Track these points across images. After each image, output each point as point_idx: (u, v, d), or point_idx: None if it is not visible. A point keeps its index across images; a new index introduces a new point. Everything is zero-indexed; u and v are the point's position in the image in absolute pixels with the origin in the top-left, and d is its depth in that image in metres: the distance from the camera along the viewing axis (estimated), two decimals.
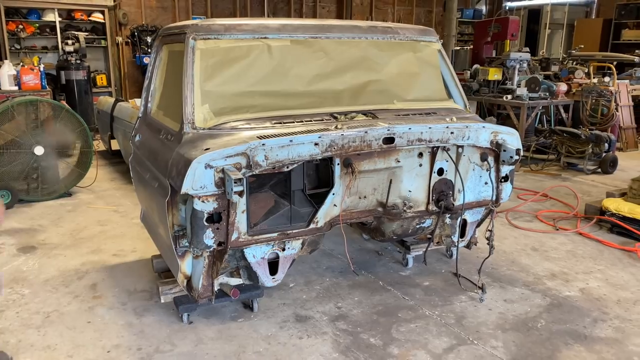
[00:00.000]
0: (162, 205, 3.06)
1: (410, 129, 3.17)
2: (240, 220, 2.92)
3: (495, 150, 3.57)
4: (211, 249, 2.98)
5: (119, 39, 11.68)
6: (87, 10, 10.92)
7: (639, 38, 13.25)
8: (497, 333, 3.38)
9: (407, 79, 3.83)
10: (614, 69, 9.06)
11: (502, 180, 3.72)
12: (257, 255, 3.12)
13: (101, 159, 8.30)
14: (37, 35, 10.76)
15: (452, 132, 3.33)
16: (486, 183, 3.69)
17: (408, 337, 3.33)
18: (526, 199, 6.29)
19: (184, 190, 2.75)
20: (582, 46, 10.97)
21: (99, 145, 8.96)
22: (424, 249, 4.07)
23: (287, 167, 2.95)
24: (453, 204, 3.53)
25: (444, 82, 4.00)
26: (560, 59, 11.12)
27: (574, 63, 10.46)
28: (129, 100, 8.39)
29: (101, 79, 11.23)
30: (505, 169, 3.69)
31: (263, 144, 2.81)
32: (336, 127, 3.05)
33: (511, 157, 3.50)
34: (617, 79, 9.09)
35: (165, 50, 3.83)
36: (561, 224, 5.48)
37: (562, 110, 8.87)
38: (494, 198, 3.70)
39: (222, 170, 2.77)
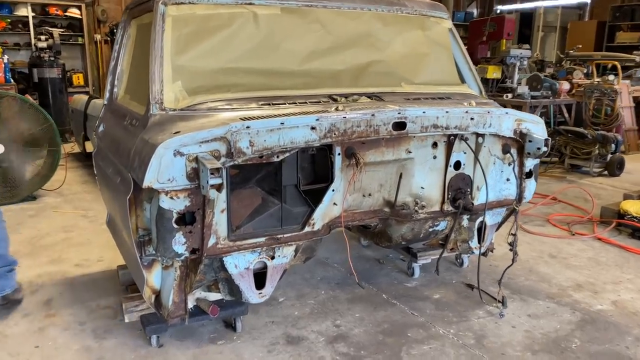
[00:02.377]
0: (124, 204, 2.49)
1: (424, 112, 2.65)
2: (218, 221, 2.36)
3: (520, 141, 3.06)
4: (183, 258, 2.41)
5: (98, 36, 11.08)
6: (62, 5, 10.31)
7: (634, 40, 12.94)
8: (527, 355, 2.86)
9: (415, 59, 3.32)
10: (619, 67, 8.66)
11: (526, 176, 3.21)
12: (240, 265, 2.55)
13: (75, 161, 7.69)
14: (8, 31, 10.12)
15: (472, 118, 2.81)
16: (508, 179, 3.17)
17: None
18: (535, 203, 5.80)
19: (146, 183, 2.19)
20: (580, 46, 10.61)
21: (74, 147, 8.37)
22: (435, 257, 3.54)
23: (278, 157, 2.40)
24: (472, 204, 3.00)
25: (456, 65, 3.50)
26: (554, 62, 10.74)
27: (571, 64, 10.09)
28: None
29: (78, 78, 10.61)
30: (529, 163, 3.18)
31: (247, 127, 2.26)
32: (337, 109, 2.51)
33: (539, 148, 2.99)
34: None
35: (134, 25, 3.28)
36: (576, 228, 4.99)
37: (564, 110, 8.43)
38: (518, 197, 3.19)
39: (196, 159, 2.22)
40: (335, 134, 2.44)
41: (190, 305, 2.71)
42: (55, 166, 5.83)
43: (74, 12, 10.51)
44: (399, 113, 2.58)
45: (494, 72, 8.32)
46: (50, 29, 9.89)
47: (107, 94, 3.46)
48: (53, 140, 5.75)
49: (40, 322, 3.16)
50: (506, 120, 2.96)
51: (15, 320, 3.18)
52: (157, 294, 2.70)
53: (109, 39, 11.30)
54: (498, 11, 16.25)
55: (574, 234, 4.85)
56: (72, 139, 8.68)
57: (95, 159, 3.39)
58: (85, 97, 7.63)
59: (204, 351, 2.86)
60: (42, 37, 9.37)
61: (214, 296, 2.88)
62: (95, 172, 3.47)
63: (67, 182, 6.27)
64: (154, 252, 2.55)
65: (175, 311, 2.60)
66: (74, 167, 7.30)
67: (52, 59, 9.44)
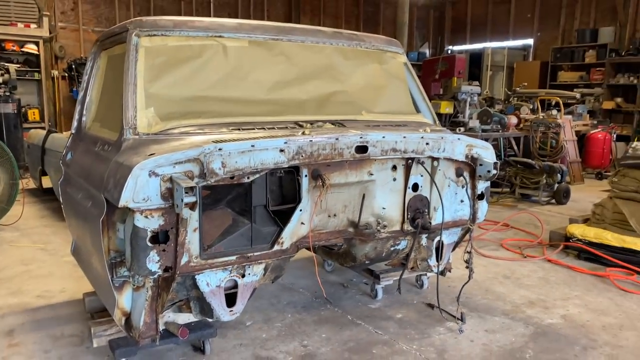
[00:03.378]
0: (96, 227, 2.55)
1: (384, 137, 2.85)
2: (191, 240, 2.45)
3: (471, 165, 3.30)
4: (156, 276, 2.47)
5: (55, 72, 11.02)
6: (19, 41, 10.24)
7: (574, 79, 13.84)
8: None
9: (374, 91, 3.54)
10: (561, 102, 9.27)
11: (478, 197, 3.44)
12: (211, 282, 2.63)
13: (31, 197, 7.53)
14: None
15: (427, 143, 3.03)
16: (462, 201, 3.39)
17: None
18: (487, 229, 6.08)
19: (122, 202, 2.27)
20: (526, 84, 11.27)
21: (28, 183, 8.20)
22: (396, 278, 3.69)
23: (248, 178, 2.53)
24: (430, 223, 3.19)
25: (412, 97, 3.75)
26: (503, 99, 11.37)
27: (518, 100, 10.70)
28: (64, 133, 7.74)
29: (33, 114, 10.45)
30: (481, 186, 3.42)
31: (220, 149, 2.39)
32: (303, 134, 2.68)
33: (488, 171, 3.23)
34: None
35: (104, 57, 3.39)
36: (527, 251, 5.27)
37: (513, 143, 8.92)
38: (471, 217, 3.40)
39: (170, 179, 2.32)
40: (302, 156, 2.60)
41: (160, 327, 2.74)
42: (13, 199, 5.73)
43: (31, 48, 10.44)
44: (361, 137, 2.77)
45: (446, 108, 8.75)
46: (6, 64, 9.79)
47: (75, 123, 3.52)
48: (11, 173, 5.67)
49: (3, 352, 3.10)
50: (458, 146, 3.19)
51: None
52: (128, 316, 2.72)
53: (66, 74, 11.26)
54: (449, 51, 17.09)
55: (525, 257, 5.12)
56: (27, 175, 8.51)
57: (62, 187, 3.41)
58: (42, 132, 7.54)
59: None
60: None
61: (182, 320, 2.93)
62: (61, 200, 3.48)
63: (23, 217, 6.14)
64: (125, 273, 2.60)
65: (146, 332, 2.64)
66: (30, 202, 7.16)
67: (8, 94, 9.31)
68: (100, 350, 3.03)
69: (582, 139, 10.35)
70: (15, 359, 3.02)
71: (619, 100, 12.49)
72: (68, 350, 3.12)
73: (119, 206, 2.29)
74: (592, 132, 10.36)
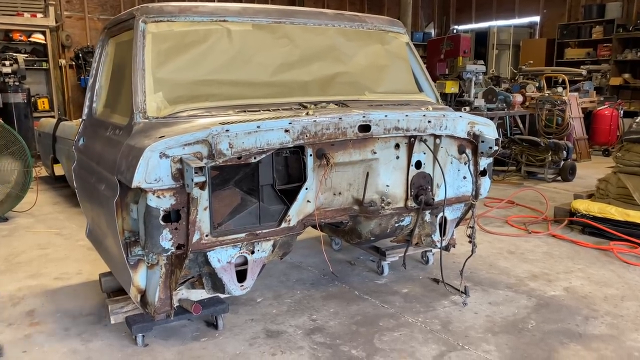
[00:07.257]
0: (110, 208, 2.66)
1: (386, 116, 2.92)
2: (202, 218, 2.55)
3: (473, 142, 3.37)
4: (169, 254, 2.58)
5: (62, 61, 11.12)
6: (26, 30, 10.33)
7: (581, 56, 13.73)
8: (488, 336, 3.11)
9: (376, 71, 3.60)
10: (567, 79, 9.25)
11: (480, 174, 3.51)
12: (222, 259, 2.74)
13: (43, 184, 7.69)
14: None
15: (429, 121, 3.10)
16: (465, 177, 3.46)
17: (393, 346, 3.01)
18: (493, 206, 6.16)
19: (135, 183, 2.37)
20: (532, 62, 11.22)
21: (40, 171, 8.35)
22: (401, 254, 3.79)
23: (255, 158, 2.62)
24: (433, 199, 3.27)
25: (414, 76, 3.80)
26: (509, 77, 11.33)
27: (524, 78, 10.67)
28: (73, 121, 7.86)
29: (42, 103, 10.59)
30: (483, 162, 3.49)
31: (227, 130, 2.48)
32: (307, 114, 2.76)
33: (490, 147, 3.30)
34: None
35: (112, 44, 3.47)
36: (532, 227, 5.35)
37: (519, 121, 8.94)
38: (474, 193, 3.48)
39: (180, 160, 2.42)
40: (306, 136, 2.68)
41: (174, 303, 2.86)
42: (27, 187, 5.87)
43: (38, 38, 10.54)
44: (363, 116, 2.84)
45: (451, 87, 8.75)
46: (15, 54, 9.90)
47: (85, 110, 3.62)
48: (25, 161, 5.80)
49: (25, 330, 3.24)
50: (460, 123, 3.26)
51: (0, 329, 3.26)
52: (143, 293, 2.85)
53: (74, 63, 11.35)
54: (454, 31, 16.97)
55: (530, 232, 5.20)
56: (39, 163, 8.66)
57: (76, 171, 3.52)
58: (53, 121, 7.66)
59: (188, 347, 3.01)
60: (7, 63, 9.37)
61: (195, 297, 3.05)
62: (75, 184, 3.59)
63: (37, 204, 6.29)
64: (139, 252, 2.71)
65: (161, 307, 2.76)
66: (43, 190, 7.31)
67: (17, 84, 9.45)
68: (118, 327, 3.16)
69: (589, 116, 10.32)
70: (38, 337, 3.15)
71: (626, 76, 12.41)
72: (87, 327, 3.25)
73: (132, 187, 2.39)
74: (598, 108, 10.33)
